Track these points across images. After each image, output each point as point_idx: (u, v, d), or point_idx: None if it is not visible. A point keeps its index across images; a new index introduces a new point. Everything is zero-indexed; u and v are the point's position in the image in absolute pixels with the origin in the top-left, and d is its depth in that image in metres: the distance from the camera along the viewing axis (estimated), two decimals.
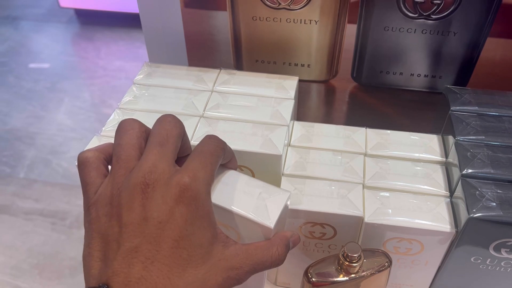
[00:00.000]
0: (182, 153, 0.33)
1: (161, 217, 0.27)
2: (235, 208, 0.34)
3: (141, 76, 0.49)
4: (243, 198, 0.35)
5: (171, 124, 0.32)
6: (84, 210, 0.30)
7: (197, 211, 0.28)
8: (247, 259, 0.30)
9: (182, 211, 0.28)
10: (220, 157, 0.32)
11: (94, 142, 0.42)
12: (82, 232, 1.40)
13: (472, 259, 0.38)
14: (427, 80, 0.50)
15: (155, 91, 0.47)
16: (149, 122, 0.41)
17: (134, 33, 2.33)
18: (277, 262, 0.32)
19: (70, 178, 1.60)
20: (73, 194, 1.55)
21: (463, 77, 0.49)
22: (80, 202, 1.52)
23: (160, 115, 0.34)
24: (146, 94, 0.47)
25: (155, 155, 0.29)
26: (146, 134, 0.32)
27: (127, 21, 2.39)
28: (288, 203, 0.37)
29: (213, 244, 0.29)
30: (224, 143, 0.34)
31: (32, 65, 2.14)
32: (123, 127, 0.32)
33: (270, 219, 0.34)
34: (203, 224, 0.29)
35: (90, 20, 2.43)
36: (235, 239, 0.37)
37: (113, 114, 0.45)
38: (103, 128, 0.44)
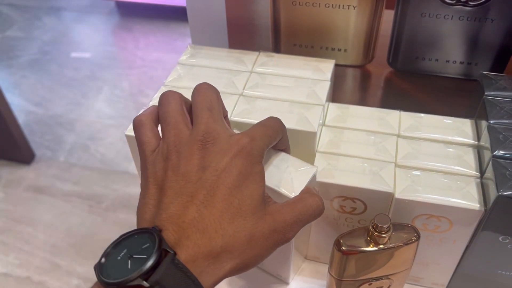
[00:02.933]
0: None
1: (218, 165, 0.30)
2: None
3: (185, 56, 0.52)
4: (272, 171, 0.38)
5: (209, 90, 0.35)
6: (142, 168, 0.33)
7: (251, 167, 0.31)
8: (290, 212, 0.32)
9: (238, 164, 0.30)
10: (279, 135, 0.35)
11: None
12: (117, 215, 1.47)
13: (500, 239, 0.39)
14: (463, 67, 0.51)
15: (198, 70, 0.50)
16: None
17: (172, 25, 2.38)
18: (318, 211, 0.34)
19: (107, 163, 1.67)
20: (110, 179, 1.61)
21: (499, 64, 0.50)
22: (116, 187, 1.58)
23: None
24: (189, 73, 0.50)
25: (207, 118, 0.32)
26: (186, 104, 0.35)
27: (166, 14, 2.45)
28: (315, 177, 0.39)
29: (261, 200, 0.31)
30: (284, 127, 0.36)
31: (74, 54, 2.22)
32: (166, 96, 0.35)
33: (294, 192, 0.36)
34: (255, 179, 0.31)
35: (130, 11, 2.50)
36: None
37: (158, 91, 0.48)
38: (150, 102, 0.47)
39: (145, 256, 0.27)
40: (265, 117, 0.37)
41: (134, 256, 0.28)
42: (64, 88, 2.02)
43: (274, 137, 0.35)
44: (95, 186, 1.59)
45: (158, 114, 0.35)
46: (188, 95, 0.40)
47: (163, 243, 0.27)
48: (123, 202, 1.53)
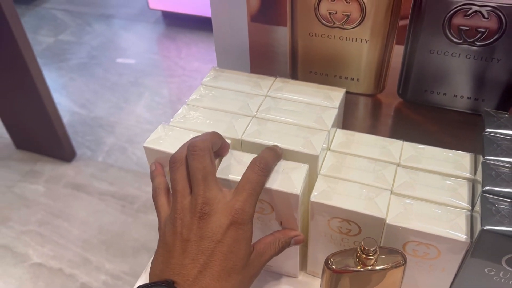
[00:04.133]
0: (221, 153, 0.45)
1: (215, 236, 0.37)
2: (266, 184, 0.42)
3: (209, 78, 0.57)
4: (271, 175, 0.43)
5: (202, 154, 0.40)
6: (158, 229, 0.42)
7: (243, 234, 0.38)
8: (261, 258, 0.41)
9: (232, 234, 0.38)
10: (264, 183, 0.42)
11: (159, 130, 0.49)
12: (147, 217, 1.53)
13: (485, 270, 0.41)
14: (470, 102, 0.53)
15: (218, 92, 0.54)
16: (211, 118, 0.51)
17: (213, 36, 2.46)
18: (278, 253, 0.43)
19: (142, 166, 1.74)
20: (143, 182, 1.68)
21: (505, 101, 0.51)
22: (149, 189, 1.65)
23: (220, 113, 0.48)
24: (210, 94, 0.54)
25: (203, 189, 0.39)
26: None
27: (209, 25, 2.54)
28: (307, 173, 0.45)
29: (249, 254, 0.40)
30: (267, 162, 0.43)
31: (119, 60, 2.34)
32: (174, 162, 0.42)
33: (295, 188, 0.42)
34: (246, 243, 0.39)
35: (175, 21, 2.60)
36: (269, 211, 0.45)
37: (181, 108, 0.53)
38: (172, 119, 0.51)
39: None
40: (273, 139, 0.45)
41: None
42: (108, 92, 2.12)
43: (260, 188, 0.41)
44: (129, 187, 1.67)
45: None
46: (208, 114, 0.46)
47: None
48: (153, 204, 1.60)
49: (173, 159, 0.42)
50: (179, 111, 0.53)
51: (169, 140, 0.48)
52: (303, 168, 0.44)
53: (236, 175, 0.43)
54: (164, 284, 0.36)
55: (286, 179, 0.43)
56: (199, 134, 0.44)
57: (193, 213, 0.38)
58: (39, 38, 2.53)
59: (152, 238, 1.49)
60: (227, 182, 0.43)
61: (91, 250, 1.47)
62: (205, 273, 0.36)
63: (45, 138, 1.71)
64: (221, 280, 0.36)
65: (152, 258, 0.40)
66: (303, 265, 0.53)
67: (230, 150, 0.46)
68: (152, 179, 0.46)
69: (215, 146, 0.42)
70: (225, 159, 0.45)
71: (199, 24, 2.56)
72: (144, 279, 0.54)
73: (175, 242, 0.38)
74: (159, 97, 2.08)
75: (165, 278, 0.37)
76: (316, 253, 0.50)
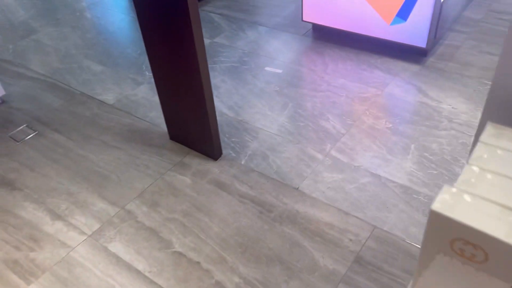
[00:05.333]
0: None
1: None
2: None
3: (486, 135, 0.51)
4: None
5: None
6: None
7: None
8: None
9: None
10: None
11: (445, 192, 0.45)
12: (282, 228, 1.55)
13: None
14: None
15: (503, 154, 0.49)
16: (504, 186, 0.44)
17: (362, 55, 2.42)
18: None
19: (281, 176, 1.77)
20: (281, 192, 1.70)
21: None
22: (286, 200, 1.66)
23: None
24: (494, 155, 0.49)
25: None
26: None
27: (358, 43, 2.50)
28: None
29: None
30: None
31: (267, 68, 2.40)
32: None
33: None
34: None
35: (324, 36, 2.61)
36: (482, 258, 0.38)
37: (463, 170, 0.48)
38: (455, 184, 0.47)
39: None
40: None
41: None
42: (255, 98, 2.19)
43: None
44: (267, 194, 1.70)
45: None
46: (493, 179, 0.40)
47: None
48: (290, 217, 1.60)
49: None
50: (462, 174, 0.48)
51: (462, 208, 0.43)
52: None
53: None
54: None
55: None
56: (495, 204, 0.39)
57: None
58: None
59: (285, 251, 1.49)
60: None
61: (228, 250, 1.51)
62: None
63: (198, 134, 1.81)
64: None
65: None
66: None
67: None
68: None
69: None
70: None
71: (348, 41, 2.53)
72: None
73: None
74: (302, 109, 2.10)
75: None
76: (427, 276, 0.43)
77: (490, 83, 2.15)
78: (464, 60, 2.35)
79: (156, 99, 2.23)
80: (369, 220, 1.58)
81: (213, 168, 1.82)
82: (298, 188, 1.71)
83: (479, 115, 2.00)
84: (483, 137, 0.50)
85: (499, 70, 0.50)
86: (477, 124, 1.94)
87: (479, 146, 0.49)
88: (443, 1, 2.19)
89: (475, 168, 0.47)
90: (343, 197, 1.67)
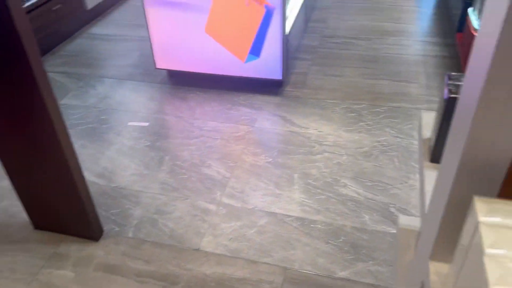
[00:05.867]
0: None
1: None
2: None
3: (482, 213, 0.47)
4: None
5: None
6: None
7: None
8: None
9: None
10: None
11: None
12: None
13: None
14: None
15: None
16: None
17: (225, 95, 2.40)
18: None
19: (177, 239, 1.60)
20: (182, 258, 1.53)
21: None
22: (189, 266, 1.50)
23: None
24: (508, 237, 0.44)
25: None
26: None
27: (217, 83, 2.48)
28: None
29: None
30: None
31: (131, 123, 2.21)
32: None
33: None
34: None
35: (181, 81, 2.53)
36: None
37: (485, 261, 0.42)
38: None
39: None
40: None
41: None
42: (126, 158, 1.99)
43: None
44: (167, 265, 1.52)
45: None
46: None
47: None
48: (198, 283, 1.45)
49: None
50: (489, 271, 0.41)
51: None
52: None
53: None
54: None
55: None
56: None
57: None
58: None
59: None
60: None
61: None
62: None
63: (69, 215, 1.55)
64: None
65: None
66: None
67: None
68: None
69: None
70: None
71: (208, 83, 2.49)
72: None
73: None
74: (181, 160, 1.96)
75: None
76: None
77: (341, 102, 2.32)
78: (315, 85, 2.49)
79: (5, 184, 1.86)
80: (279, 263, 1.52)
81: (96, 251, 1.57)
82: (199, 248, 1.56)
83: (343, 134, 2.11)
84: (481, 217, 0.45)
85: (470, 141, 0.47)
86: (343, 142, 2.05)
87: (480, 227, 0.44)
88: (287, 34, 2.30)
89: (490, 260, 0.41)
90: (247, 245, 1.57)
